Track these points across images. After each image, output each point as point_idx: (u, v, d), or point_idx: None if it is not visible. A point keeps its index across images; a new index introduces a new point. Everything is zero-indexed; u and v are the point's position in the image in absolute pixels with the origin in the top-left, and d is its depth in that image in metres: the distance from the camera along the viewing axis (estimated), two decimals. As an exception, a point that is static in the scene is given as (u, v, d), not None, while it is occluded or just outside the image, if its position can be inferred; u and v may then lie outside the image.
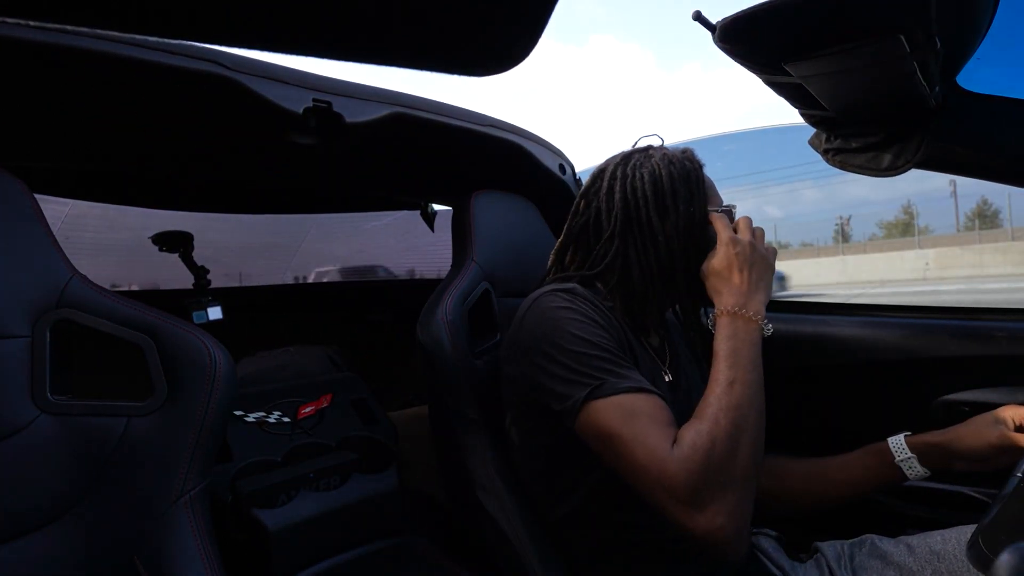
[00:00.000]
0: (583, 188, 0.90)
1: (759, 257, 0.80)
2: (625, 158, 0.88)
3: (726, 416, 0.67)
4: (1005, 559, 0.41)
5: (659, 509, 0.66)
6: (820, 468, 0.95)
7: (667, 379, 0.86)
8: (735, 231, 0.83)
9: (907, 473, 0.87)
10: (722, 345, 0.74)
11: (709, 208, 0.85)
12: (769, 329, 0.78)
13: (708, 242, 0.83)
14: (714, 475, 0.64)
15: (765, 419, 0.71)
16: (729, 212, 0.87)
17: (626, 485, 0.70)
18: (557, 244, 0.92)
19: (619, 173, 0.86)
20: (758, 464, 0.68)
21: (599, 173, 0.89)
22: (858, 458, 0.92)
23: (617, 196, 0.84)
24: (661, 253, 0.82)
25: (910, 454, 0.87)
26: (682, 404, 0.85)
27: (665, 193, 0.82)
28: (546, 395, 0.75)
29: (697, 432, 0.66)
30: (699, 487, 0.63)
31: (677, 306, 0.91)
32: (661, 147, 0.90)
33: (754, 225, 0.85)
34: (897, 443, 0.88)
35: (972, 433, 0.84)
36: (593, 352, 0.73)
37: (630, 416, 0.68)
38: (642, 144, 0.91)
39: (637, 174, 0.84)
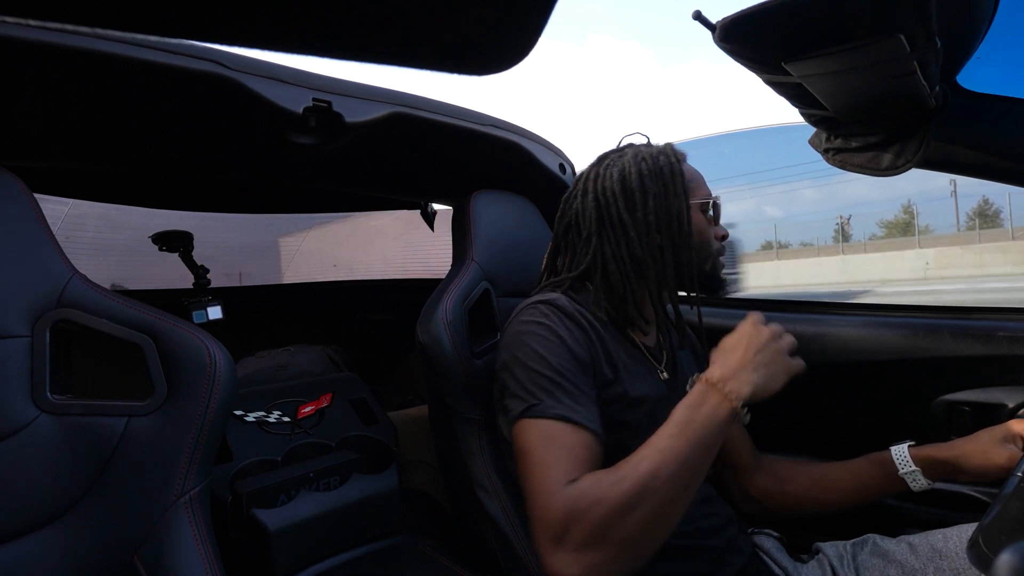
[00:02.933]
0: (566, 192, 0.92)
1: (772, 350, 0.73)
2: (600, 159, 0.90)
3: (634, 480, 0.63)
4: (1005, 559, 0.41)
5: (532, 536, 0.67)
6: (822, 474, 0.95)
7: (663, 377, 0.87)
8: None
9: (911, 486, 0.87)
10: (680, 411, 0.69)
11: (692, 200, 0.84)
12: (747, 418, 0.71)
13: (688, 234, 0.82)
14: (588, 527, 0.61)
15: (688, 498, 0.65)
16: (714, 203, 0.88)
17: None
18: (549, 248, 0.93)
19: (592, 174, 0.87)
20: (651, 537, 0.64)
21: (580, 177, 0.90)
22: (861, 467, 0.92)
23: (590, 196, 0.85)
24: (635, 248, 0.83)
25: (914, 467, 0.87)
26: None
27: (634, 190, 0.83)
28: (498, 405, 0.78)
29: (596, 481, 0.64)
30: (568, 530, 0.62)
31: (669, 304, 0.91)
32: (637, 146, 0.90)
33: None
34: (901, 455, 0.88)
35: (979, 452, 0.84)
36: (543, 371, 0.73)
37: (547, 442, 0.68)
38: (626, 143, 0.92)
39: (607, 173, 0.85)
